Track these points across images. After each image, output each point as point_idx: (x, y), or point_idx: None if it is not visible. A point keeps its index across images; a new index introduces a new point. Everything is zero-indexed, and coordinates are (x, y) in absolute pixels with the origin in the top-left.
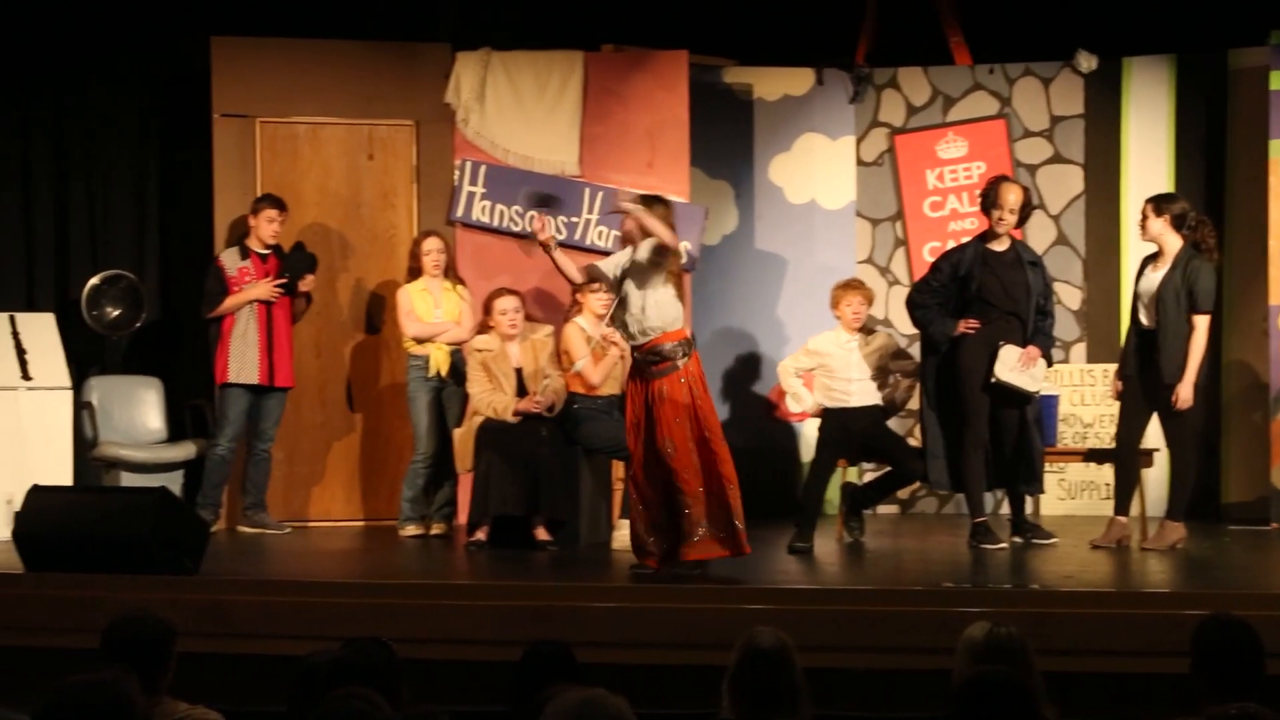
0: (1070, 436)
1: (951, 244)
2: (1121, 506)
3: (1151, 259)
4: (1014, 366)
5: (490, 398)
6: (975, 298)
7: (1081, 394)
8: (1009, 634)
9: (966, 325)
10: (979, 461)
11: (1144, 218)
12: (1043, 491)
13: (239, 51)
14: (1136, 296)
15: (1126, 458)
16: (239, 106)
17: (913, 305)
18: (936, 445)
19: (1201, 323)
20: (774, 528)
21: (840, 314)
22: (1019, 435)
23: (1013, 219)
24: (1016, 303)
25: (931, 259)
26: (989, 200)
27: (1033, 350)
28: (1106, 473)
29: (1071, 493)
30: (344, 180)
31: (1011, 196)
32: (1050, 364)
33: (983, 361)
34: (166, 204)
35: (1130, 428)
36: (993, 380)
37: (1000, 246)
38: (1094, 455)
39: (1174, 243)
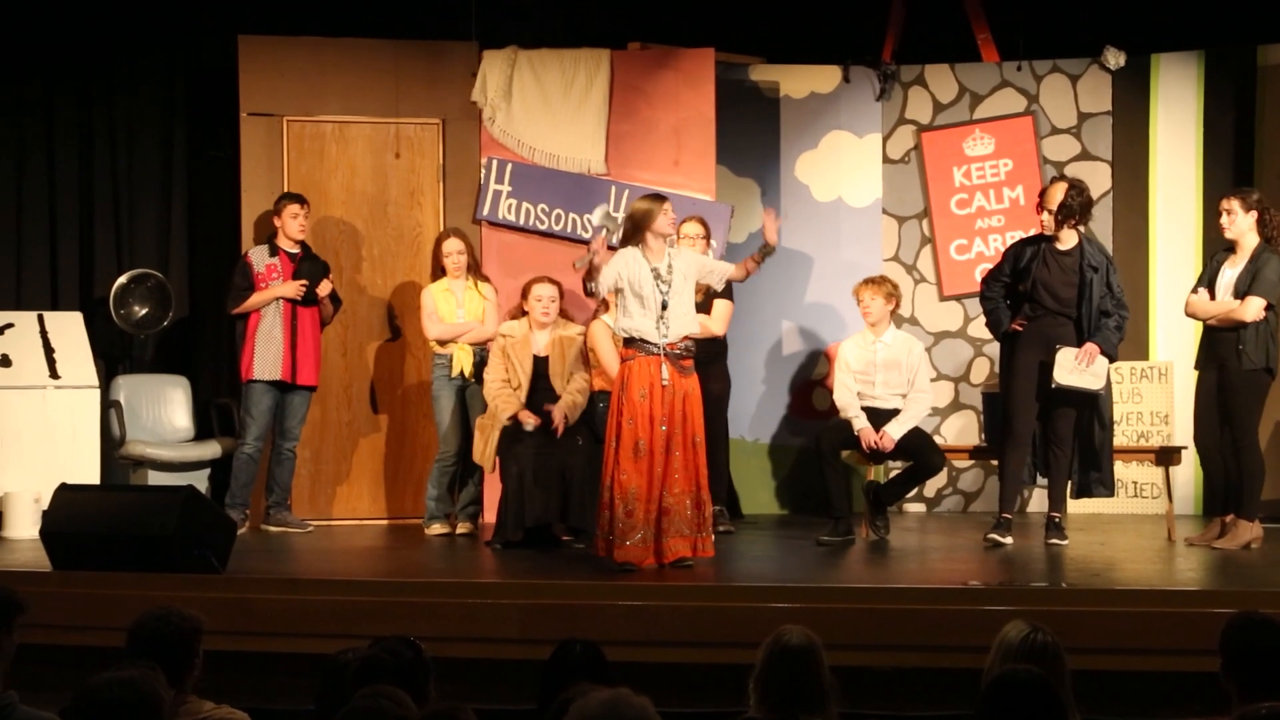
0: None
1: (979, 241)
2: (1237, 507)
3: (1226, 254)
4: (1072, 368)
5: (497, 391)
6: (1027, 295)
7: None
8: (1045, 640)
9: (1015, 324)
10: (1017, 460)
11: (1228, 213)
12: (1112, 494)
13: (266, 50)
14: (1211, 292)
15: (1221, 459)
16: (266, 105)
17: (982, 296)
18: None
19: (1253, 302)
20: (800, 525)
21: (860, 310)
22: (1089, 434)
23: (1051, 219)
24: (1065, 304)
25: (957, 257)
26: (1042, 201)
27: (1090, 347)
28: (1134, 471)
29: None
30: (370, 179)
31: (1056, 196)
32: (1112, 361)
33: (1034, 362)
34: (193, 203)
35: (1209, 428)
36: (1053, 385)
37: (1065, 245)
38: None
39: (1253, 238)
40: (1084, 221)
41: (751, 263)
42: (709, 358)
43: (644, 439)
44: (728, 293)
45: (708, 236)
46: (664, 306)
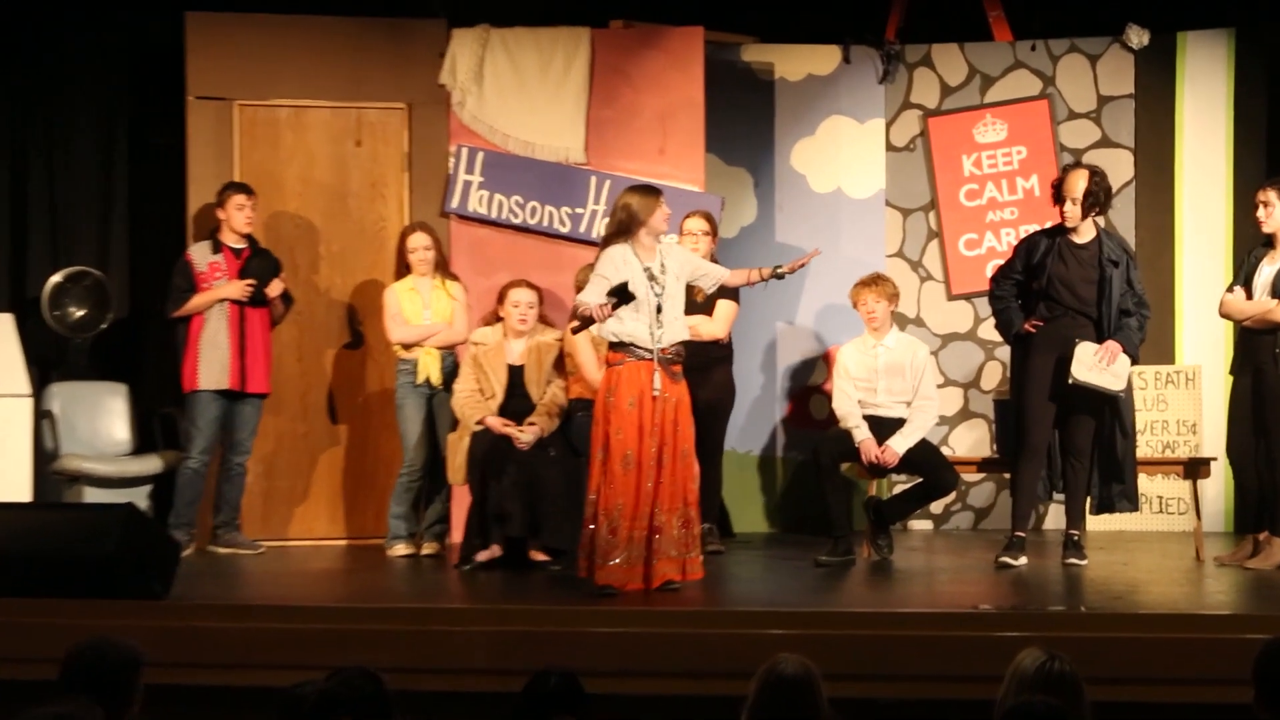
0: None
1: (990, 235)
2: (1271, 524)
3: (1265, 250)
4: (1091, 365)
5: (465, 401)
6: (1043, 293)
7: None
8: (1063, 669)
9: (1029, 325)
10: (1031, 473)
11: (1265, 205)
12: (1136, 508)
13: (216, 28)
14: (1248, 290)
15: (1255, 471)
16: (215, 88)
17: (991, 295)
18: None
19: None
20: (796, 544)
21: (860, 314)
22: (1110, 444)
23: (1076, 209)
24: (1084, 302)
25: (967, 252)
26: (1058, 191)
27: (1112, 346)
28: (1159, 485)
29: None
30: (329, 169)
31: (1079, 184)
32: (1135, 362)
33: (1050, 367)
34: (135, 194)
35: (1243, 437)
36: (1070, 381)
37: (1082, 239)
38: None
39: None
40: (1104, 211)
41: (757, 274)
42: (707, 363)
43: (632, 451)
44: (732, 293)
45: (713, 233)
46: (658, 310)
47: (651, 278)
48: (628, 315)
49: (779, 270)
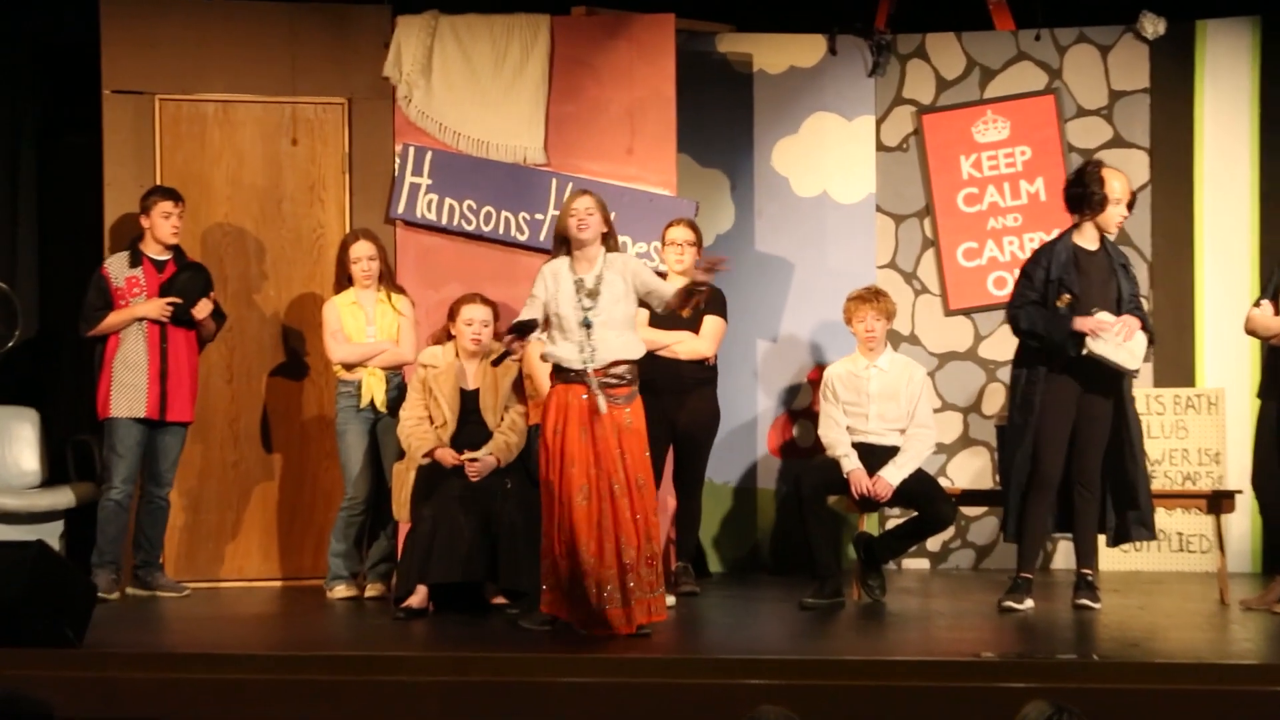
0: None
1: (991, 244)
2: None
3: None
4: (1108, 338)
5: (411, 429)
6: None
7: (1148, 424)
8: None
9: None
10: (1041, 507)
11: None
12: (1153, 536)
13: (134, 14)
14: (1276, 305)
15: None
16: (134, 81)
17: (1014, 321)
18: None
19: None
20: (778, 585)
21: (854, 332)
22: (1120, 467)
23: (1127, 212)
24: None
25: (966, 263)
26: (1094, 196)
27: (1130, 320)
28: (1179, 520)
29: (1136, 544)
30: (262, 170)
31: (1118, 184)
32: (1152, 342)
33: (1073, 389)
34: (45, 198)
35: (1271, 467)
36: (1084, 352)
37: (1091, 245)
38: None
39: None
40: None
41: (675, 299)
42: (686, 385)
43: (554, 480)
44: (720, 309)
45: (698, 243)
46: (586, 325)
47: (581, 290)
48: (557, 334)
49: (692, 291)
